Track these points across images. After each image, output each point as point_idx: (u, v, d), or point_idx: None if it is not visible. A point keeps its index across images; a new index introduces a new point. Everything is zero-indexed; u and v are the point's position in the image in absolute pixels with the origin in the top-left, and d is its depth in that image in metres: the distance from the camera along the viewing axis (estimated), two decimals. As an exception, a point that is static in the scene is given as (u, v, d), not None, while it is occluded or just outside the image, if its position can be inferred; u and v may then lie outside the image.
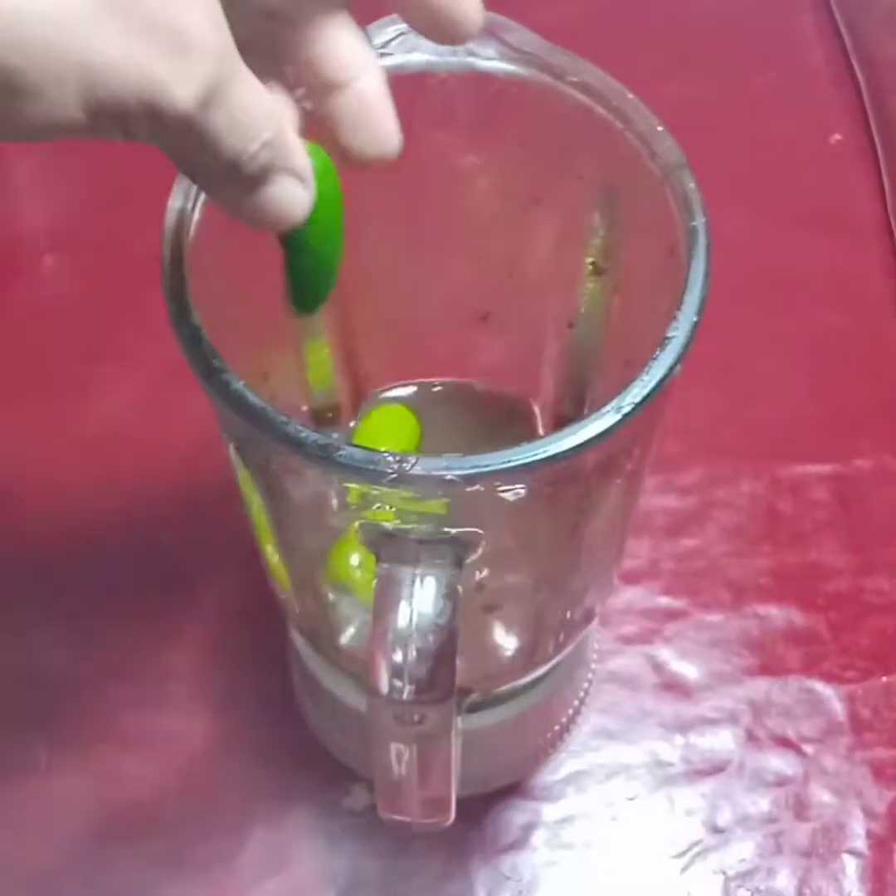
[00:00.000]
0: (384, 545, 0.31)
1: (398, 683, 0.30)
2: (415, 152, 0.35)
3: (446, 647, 0.30)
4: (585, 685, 0.45)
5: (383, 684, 0.31)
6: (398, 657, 0.30)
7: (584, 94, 0.32)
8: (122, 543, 0.48)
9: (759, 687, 0.46)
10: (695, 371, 0.50)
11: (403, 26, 0.33)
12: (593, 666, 0.45)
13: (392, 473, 0.28)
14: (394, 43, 0.33)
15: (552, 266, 0.36)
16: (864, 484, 0.49)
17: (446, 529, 0.30)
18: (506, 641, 0.38)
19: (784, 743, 0.45)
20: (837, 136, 0.56)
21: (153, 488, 0.50)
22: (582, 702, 0.45)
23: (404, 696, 0.31)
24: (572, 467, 0.29)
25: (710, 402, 0.51)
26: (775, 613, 0.47)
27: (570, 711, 0.44)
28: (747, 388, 0.51)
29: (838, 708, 0.46)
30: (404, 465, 0.28)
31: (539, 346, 0.39)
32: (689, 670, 0.46)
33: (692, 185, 0.31)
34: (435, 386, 0.40)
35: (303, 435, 0.28)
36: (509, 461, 0.28)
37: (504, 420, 0.40)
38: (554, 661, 0.40)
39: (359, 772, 0.44)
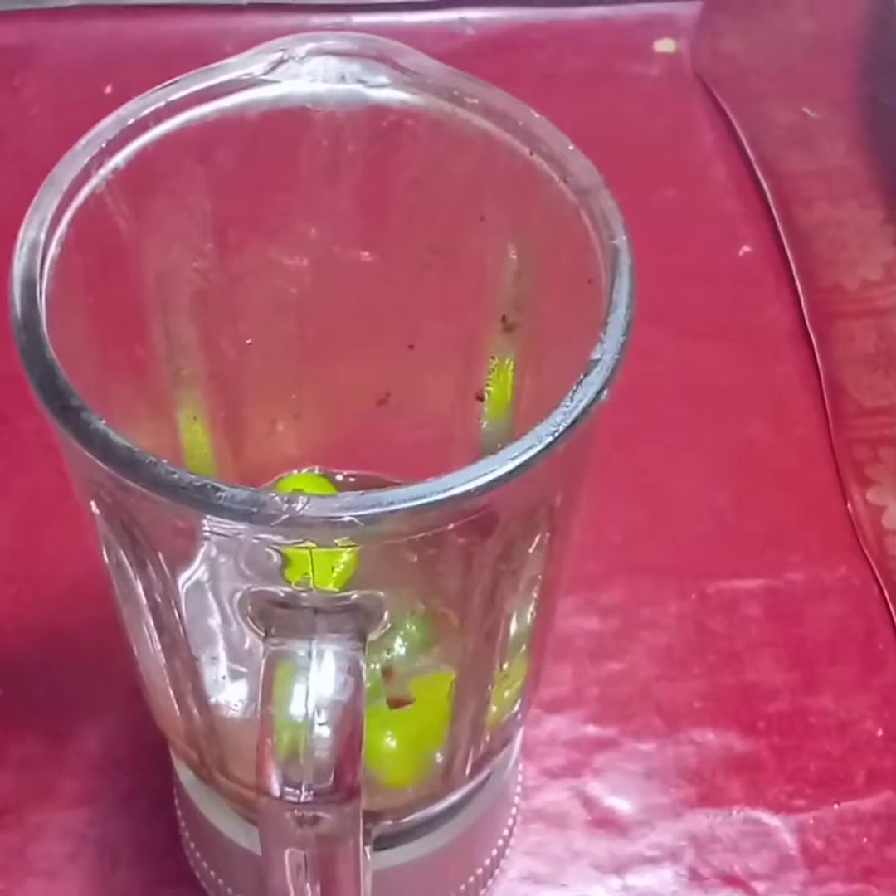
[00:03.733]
0: (275, 617, 0.27)
1: (293, 779, 0.26)
2: (297, 207, 0.32)
3: (351, 733, 0.26)
4: (509, 823, 0.40)
5: (274, 784, 0.26)
6: (292, 748, 0.26)
7: (487, 117, 0.29)
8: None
9: (701, 820, 0.42)
10: (612, 485, 0.47)
11: (284, 52, 0.30)
12: (517, 801, 0.41)
13: (282, 515, 0.24)
14: (277, 70, 0.30)
15: (457, 328, 0.33)
16: (798, 598, 0.46)
17: (347, 594, 0.26)
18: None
19: (732, 881, 0.41)
20: (747, 248, 0.54)
21: (19, 631, 0.45)
22: (506, 842, 0.40)
23: (302, 796, 0.26)
24: (489, 510, 0.25)
25: (629, 517, 0.47)
26: (713, 739, 0.43)
27: (494, 853, 0.40)
28: (668, 503, 0.48)
29: (789, 840, 0.41)
30: (295, 505, 0.24)
31: (446, 426, 0.35)
32: (622, 805, 0.42)
33: (611, 203, 0.28)
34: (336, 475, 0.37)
35: (175, 476, 0.24)
36: (417, 498, 0.24)
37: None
38: (469, 787, 0.35)
39: (255, 933, 0.39)
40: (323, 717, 0.26)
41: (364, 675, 0.26)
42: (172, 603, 0.28)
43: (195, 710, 0.31)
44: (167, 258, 0.31)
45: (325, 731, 0.26)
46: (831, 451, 0.49)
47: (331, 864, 0.27)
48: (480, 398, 0.34)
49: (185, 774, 0.38)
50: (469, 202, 0.31)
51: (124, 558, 0.28)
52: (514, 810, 0.41)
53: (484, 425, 0.34)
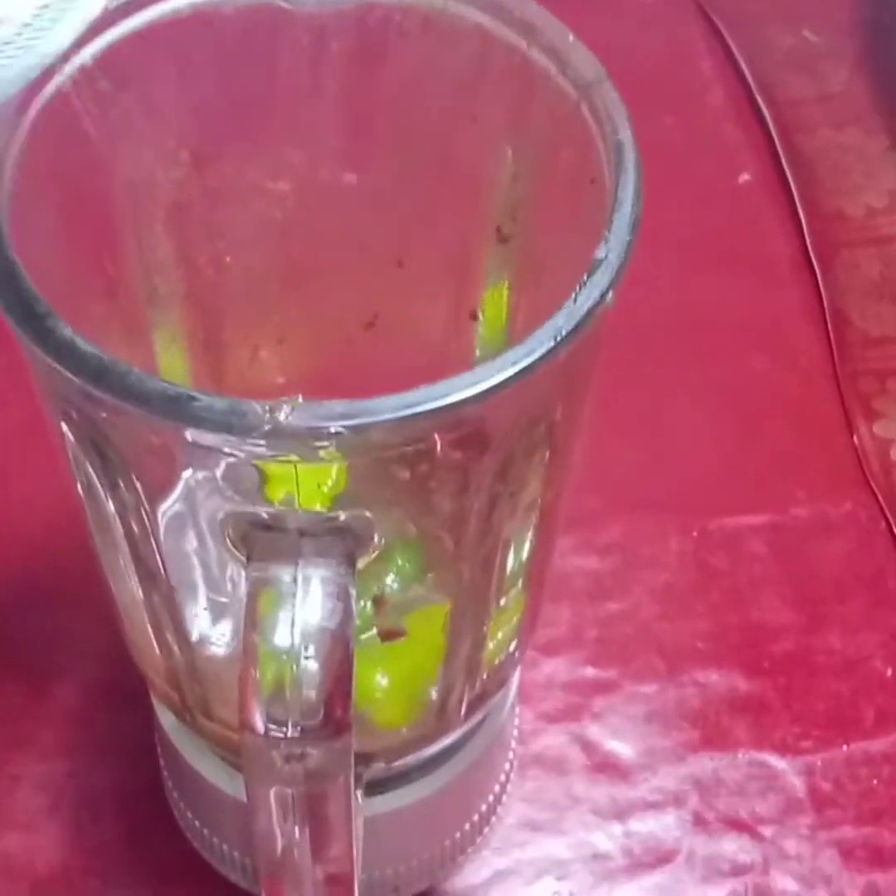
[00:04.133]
0: (257, 540, 0.25)
1: (279, 715, 0.24)
2: (278, 112, 0.30)
3: (340, 663, 0.24)
4: (507, 768, 0.39)
5: (258, 720, 0.24)
6: (278, 680, 0.24)
7: (481, 9, 0.27)
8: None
9: (705, 764, 0.40)
10: (611, 421, 0.45)
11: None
12: (515, 746, 0.39)
13: (264, 425, 0.22)
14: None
15: (450, 242, 0.31)
16: (803, 534, 0.44)
17: (335, 515, 0.25)
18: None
19: (737, 825, 0.39)
20: (746, 176, 0.52)
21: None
22: (503, 789, 0.39)
23: (288, 731, 0.24)
24: (486, 422, 0.24)
25: (628, 454, 0.45)
26: (716, 680, 0.41)
27: (491, 799, 0.38)
28: (668, 438, 0.46)
29: (796, 783, 0.40)
30: (278, 415, 0.22)
31: (438, 350, 0.33)
32: (623, 749, 0.40)
33: (614, 96, 0.26)
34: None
35: (149, 385, 0.22)
36: (409, 407, 0.22)
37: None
38: (465, 729, 0.34)
39: (241, 885, 0.37)
40: (310, 647, 0.24)
41: (353, 601, 0.24)
42: (148, 529, 0.26)
43: (175, 647, 0.30)
44: (140, 165, 0.29)
45: (312, 662, 0.24)
46: (836, 383, 0.47)
47: (320, 803, 0.25)
48: (474, 317, 0.32)
49: (166, 719, 0.36)
50: (462, 103, 0.29)
51: (97, 483, 0.26)
52: (511, 755, 0.39)
53: (478, 351, 0.32)
